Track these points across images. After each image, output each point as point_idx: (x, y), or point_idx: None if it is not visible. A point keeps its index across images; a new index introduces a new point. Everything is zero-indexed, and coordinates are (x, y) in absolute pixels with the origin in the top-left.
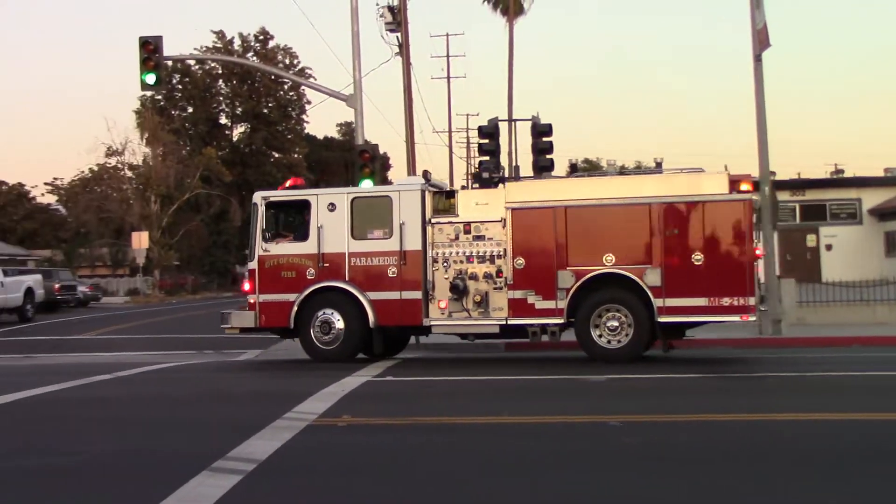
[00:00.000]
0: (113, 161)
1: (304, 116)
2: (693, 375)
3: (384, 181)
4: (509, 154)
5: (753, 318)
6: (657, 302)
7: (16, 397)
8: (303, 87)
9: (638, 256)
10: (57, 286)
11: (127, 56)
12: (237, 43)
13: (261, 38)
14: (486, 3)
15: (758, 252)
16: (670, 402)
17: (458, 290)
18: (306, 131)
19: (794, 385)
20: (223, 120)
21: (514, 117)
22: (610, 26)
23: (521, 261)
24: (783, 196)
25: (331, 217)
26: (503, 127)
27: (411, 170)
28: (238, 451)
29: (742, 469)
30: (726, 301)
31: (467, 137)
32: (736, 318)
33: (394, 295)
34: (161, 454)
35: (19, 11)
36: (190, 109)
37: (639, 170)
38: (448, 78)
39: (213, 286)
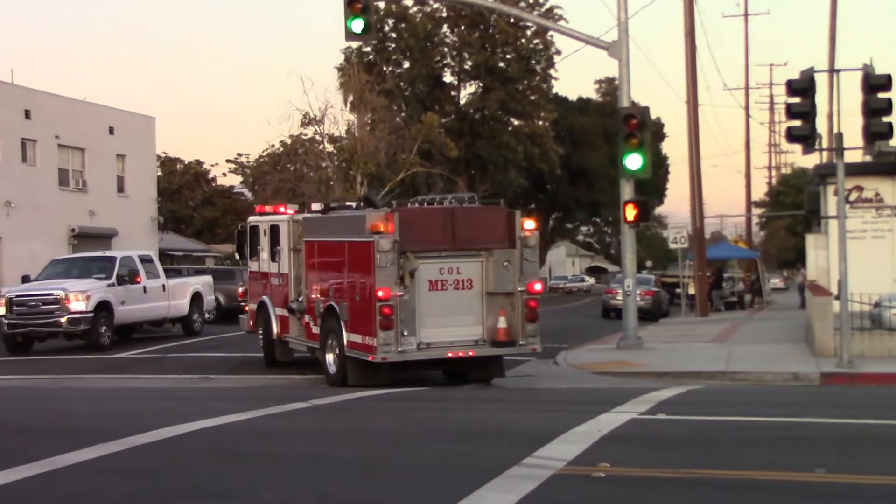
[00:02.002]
0: (309, 132)
1: (551, 71)
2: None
3: (657, 156)
4: (829, 116)
5: (379, 358)
6: (345, 335)
7: (192, 427)
8: (551, 34)
9: (340, 291)
10: (241, 290)
11: None
12: None
13: None
14: None
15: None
16: None
17: (292, 311)
18: (555, 91)
19: None
20: (448, 77)
21: (836, 67)
22: None
23: (304, 289)
24: None
25: (264, 241)
26: (821, 80)
27: (693, 140)
28: None
29: None
30: (367, 340)
31: (770, 96)
32: (367, 357)
33: (283, 311)
34: None
35: None
36: (406, 65)
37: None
38: (745, 15)
39: None
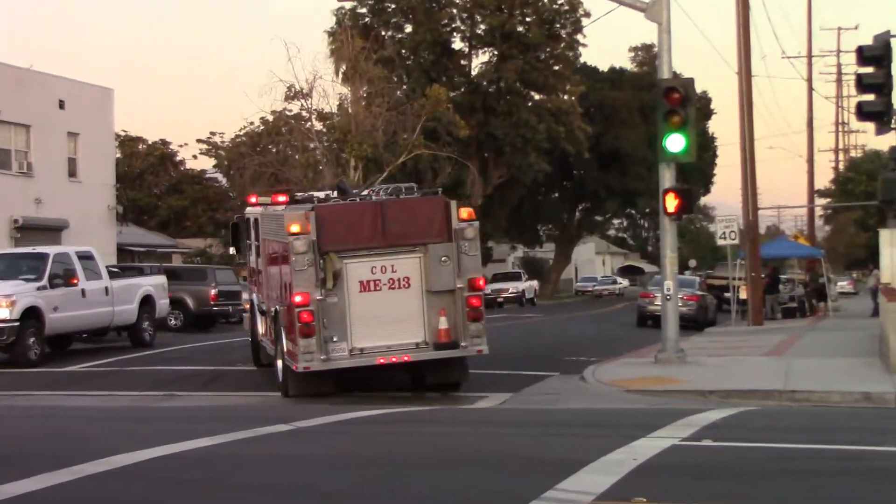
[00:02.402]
0: (295, 107)
1: (579, 37)
2: None
3: (703, 136)
4: None
5: (301, 367)
6: (284, 342)
7: (156, 453)
8: None
9: (279, 295)
10: (213, 293)
11: None
12: None
13: None
14: None
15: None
16: None
17: (263, 312)
18: (582, 60)
19: None
20: (457, 44)
21: None
22: None
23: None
24: None
25: (252, 234)
26: None
27: (745, 118)
28: None
29: None
30: (293, 347)
31: (838, 65)
32: (292, 365)
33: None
34: None
35: None
36: (408, 29)
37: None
38: None
39: None
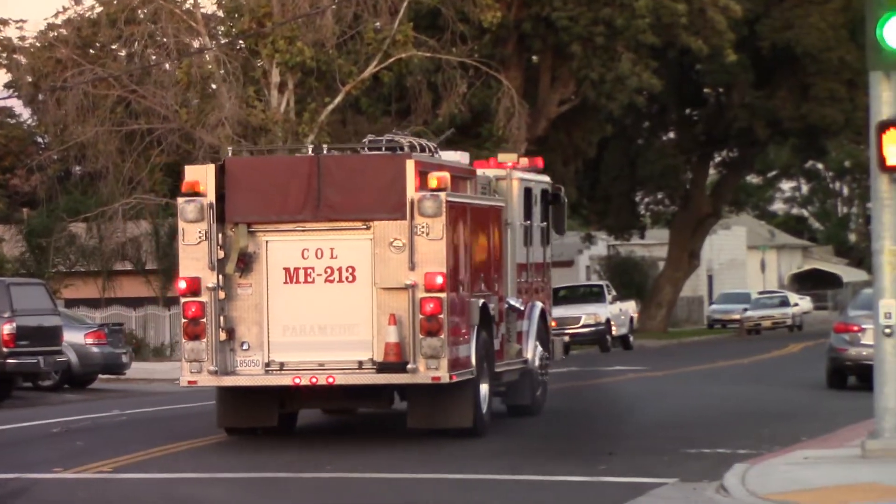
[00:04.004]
0: None
1: None
2: None
3: None
4: None
5: (184, 381)
6: None
7: None
8: None
9: None
10: (7, 332)
11: None
12: None
13: None
14: None
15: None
16: None
17: None
18: None
19: None
20: None
21: None
22: None
23: None
24: None
25: None
26: None
27: None
28: None
29: None
30: None
31: None
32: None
33: None
34: None
35: None
36: None
37: None
38: None
39: None
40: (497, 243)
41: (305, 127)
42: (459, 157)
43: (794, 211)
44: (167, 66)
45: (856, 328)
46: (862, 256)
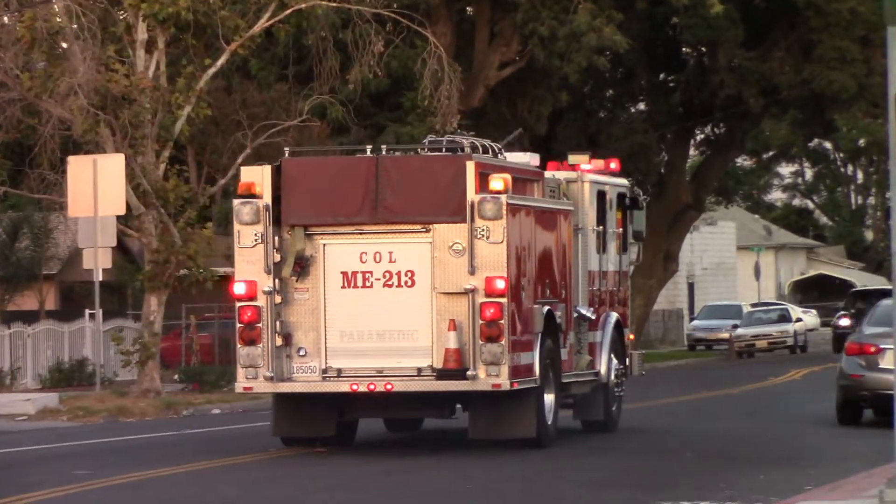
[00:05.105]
0: None
1: None
2: None
3: None
4: None
5: (239, 388)
6: None
7: None
8: None
9: None
10: None
11: None
12: None
13: None
14: None
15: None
16: None
17: None
18: None
19: None
20: None
21: None
22: None
23: None
24: None
25: None
26: None
27: None
28: None
29: None
30: None
31: None
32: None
33: None
34: None
35: None
36: None
37: None
38: None
39: None
40: (565, 249)
41: (180, 96)
42: (529, 159)
43: (796, 202)
44: (5, 19)
45: (873, 349)
46: (881, 259)
